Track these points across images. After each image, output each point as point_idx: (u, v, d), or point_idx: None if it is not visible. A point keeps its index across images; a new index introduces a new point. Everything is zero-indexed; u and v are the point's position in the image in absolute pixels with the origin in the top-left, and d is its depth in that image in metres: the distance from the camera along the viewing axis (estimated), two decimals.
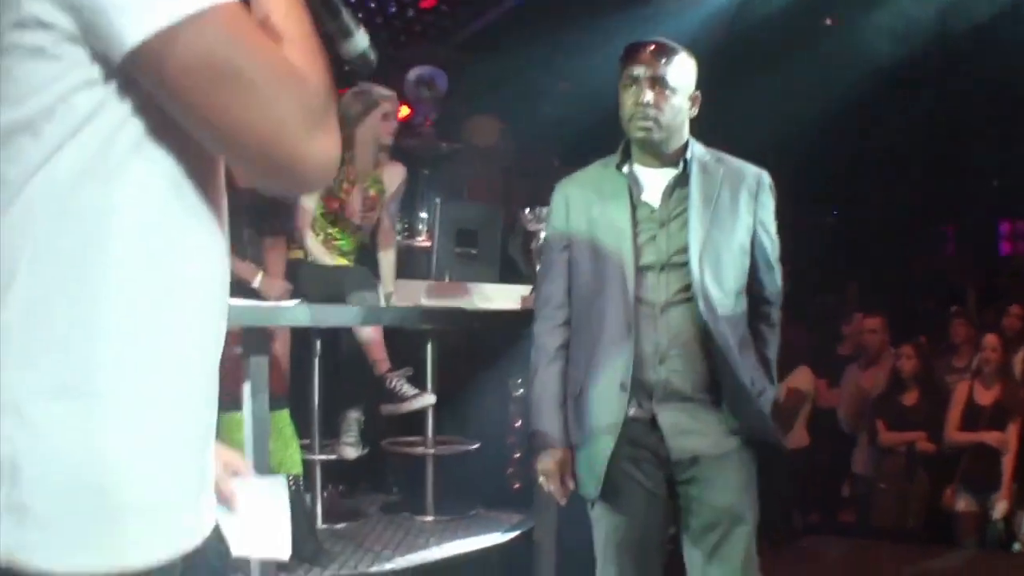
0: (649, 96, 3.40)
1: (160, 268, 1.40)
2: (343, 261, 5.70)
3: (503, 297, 5.37)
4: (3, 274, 1.33)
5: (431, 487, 5.89)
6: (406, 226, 7.39)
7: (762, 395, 3.45)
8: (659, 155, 3.49)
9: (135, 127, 1.37)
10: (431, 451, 5.88)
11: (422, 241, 7.22)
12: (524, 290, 5.19)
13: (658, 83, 3.42)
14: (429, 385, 5.76)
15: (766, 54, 8.89)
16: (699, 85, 3.50)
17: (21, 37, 1.33)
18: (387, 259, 5.99)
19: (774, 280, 3.57)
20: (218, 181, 1.51)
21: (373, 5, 8.97)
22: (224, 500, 1.72)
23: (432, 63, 7.63)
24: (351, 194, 5.64)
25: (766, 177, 3.56)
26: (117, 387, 1.35)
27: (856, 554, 7.25)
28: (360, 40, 1.72)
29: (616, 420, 3.36)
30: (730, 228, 3.44)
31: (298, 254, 5.61)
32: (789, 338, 8.96)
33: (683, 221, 3.42)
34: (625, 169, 3.52)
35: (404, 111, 8.84)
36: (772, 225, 3.56)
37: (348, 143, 5.59)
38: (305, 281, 5.35)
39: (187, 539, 1.44)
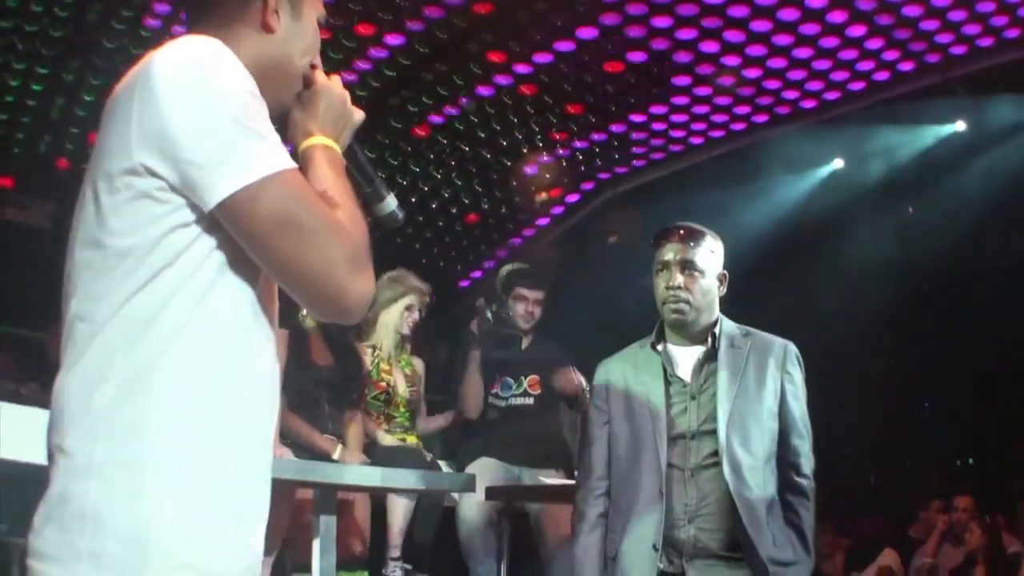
0: (679, 279, 3.74)
1: (229, 368, 1.75)
2: (411, 438, 6.09)
3: None
4: (100, 368, 1.68)
5: None
6: None
7: (790, 565, 3.62)
8: (690, 333, 3.81)
9: (217, 259, 1.73)
10: None
11: None
12: None
13: (687, 266, 3.76)
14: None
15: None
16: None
17: (132, 181, 1.68)
18: (432, 424, 6.44)
19: (804, 445, 3.77)
20: (274, 297, 1.87)
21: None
22: None
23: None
24: (392, 373, 6.06)
25: (792, 348, 3.82)
26: (181, 466, 1.67)
27: None
28: (390, 202, 2.07)
29: None
30: (757, 397, 3.70)
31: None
32: (872, 527, 9.04)
33: (712, 393, 3.70)
34: (659, 348, 3.83)
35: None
36: (801, 392, 3.80)
37: (371, 324, 6.05)
38: (385, 457, 5.65)
39: None
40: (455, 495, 5.82)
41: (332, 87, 1.95)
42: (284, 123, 1.94)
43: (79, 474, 1.65)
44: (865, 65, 7.85)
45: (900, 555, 8.81)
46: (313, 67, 1.96)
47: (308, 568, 4.46)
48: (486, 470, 5.81)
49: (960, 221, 8.75)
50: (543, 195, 9.69)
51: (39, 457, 1.75)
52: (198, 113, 1.68)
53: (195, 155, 1.67)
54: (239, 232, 1.70)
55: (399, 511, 5.67)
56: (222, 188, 1.67)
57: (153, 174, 1.68)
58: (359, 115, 1.97)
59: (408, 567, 5.71)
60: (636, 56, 7.80)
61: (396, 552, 5.66)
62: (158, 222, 1.69)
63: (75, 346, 1.72)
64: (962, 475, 10.41)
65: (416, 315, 6.17)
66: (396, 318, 6.09)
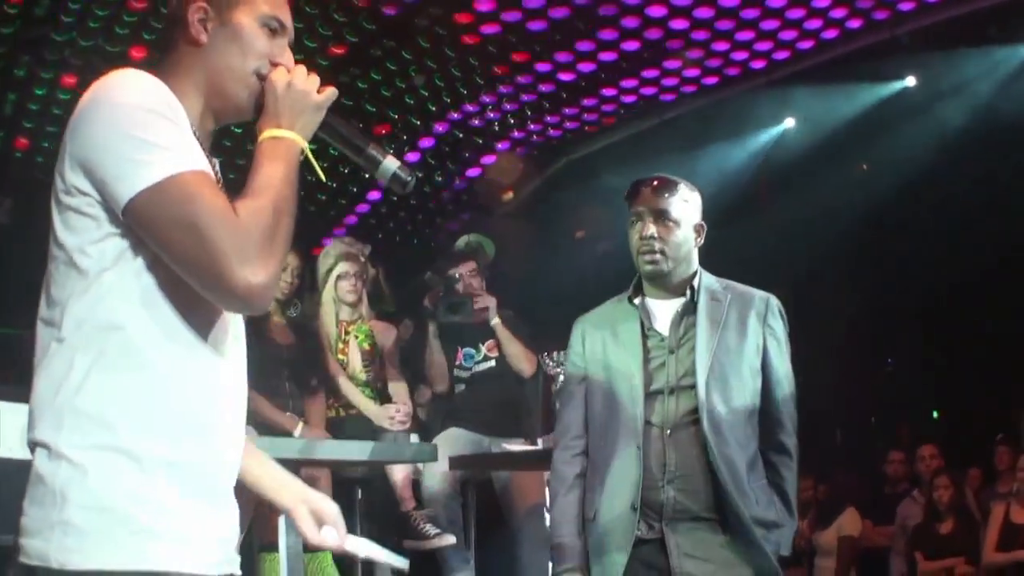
0: (653, 229, 3.61)
1: (174, 355, 1.96)
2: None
3: None
4: (62, 368, 1.92)
5: None
6: None
7: (773, 527, 3.53)
8: (667, 286, 3.69)
9: (152, 259, 1.93)
10: None
11: None
12: None
13: (662, 216, 3.63)
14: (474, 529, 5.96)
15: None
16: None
17: (69, 201, 1.94)
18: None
19: (788, 402, 3.68)
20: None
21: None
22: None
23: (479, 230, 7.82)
24: (347, 352, 5.95)
25: (774, 300, 3.72)
26: (136, 445, 1.90)
27: None
28: (388, 166, 2.08)
29: (627, 540, 3.49)
30: (738, 351, 3.60)
31: (331, 413, 5.87)
32: (838, 482, 9.07)
33: (691, 347, 3.58)
34: (636, 301, 3.71)
35: None
36: (784, 346, 3.70)
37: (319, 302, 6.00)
38: (346, 433, 5.58)
39: (190, 562, 1.94)
40: (419, 466, 5.76)
41: (279, 80, 2.05)
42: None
43: (51, 459, 1.90)
44: (813, 23, 7.82)
45: (862, 512, 8.83)
46: (275, 65, 2.08)
47: (274, 547, 4.38)
48: (453, 440, 5.76)
49: (914, 175, 8.77)
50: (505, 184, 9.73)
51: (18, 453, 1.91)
52: (102, 135, 1.91)
53: (104, 172, 1.90)
54: (143, 234, 1.91)
55: (396, 473, 5.62)
56: (122, 197, 1.88)
57: (82, 192, 1.92)
58: (325, 95, 2.07)
59: (432, 512, 5.65)
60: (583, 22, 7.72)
61: (411, 504, 5.63)
62: (93, 232, 1.93)
63: (41, 348, 1.97)
64: (928, 429, 10.45)
65: (353, 281, 6.00)
66: (332, 291, 5.99)
